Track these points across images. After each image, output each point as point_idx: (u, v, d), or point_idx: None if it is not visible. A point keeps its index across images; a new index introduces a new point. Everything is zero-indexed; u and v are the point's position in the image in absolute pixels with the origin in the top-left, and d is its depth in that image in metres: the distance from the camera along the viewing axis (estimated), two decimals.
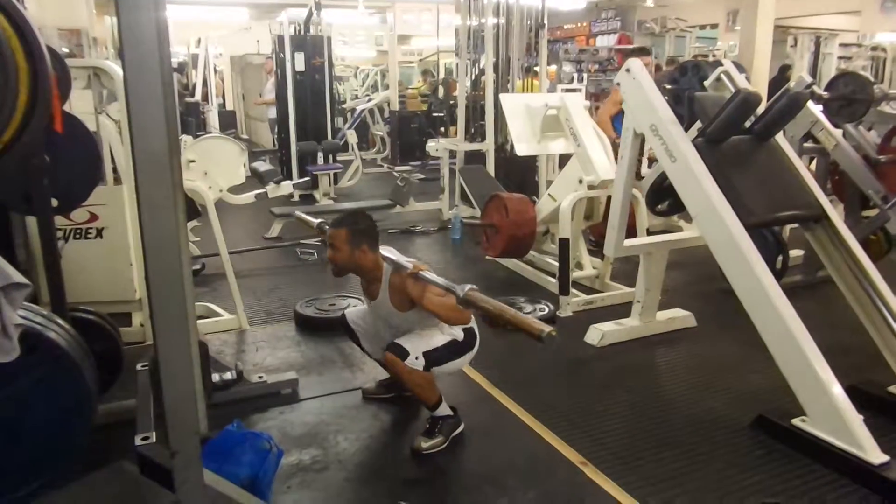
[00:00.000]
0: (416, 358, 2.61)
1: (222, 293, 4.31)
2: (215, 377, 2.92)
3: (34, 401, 1.65)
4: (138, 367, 2.55)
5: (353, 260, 2.69)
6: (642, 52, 5.40)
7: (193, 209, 3.94)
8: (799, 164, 3.24)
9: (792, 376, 2.68)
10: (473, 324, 2.78)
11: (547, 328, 2.03)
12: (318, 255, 5.36)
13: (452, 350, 2.70)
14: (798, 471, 2.53)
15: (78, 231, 3.39)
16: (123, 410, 2.61)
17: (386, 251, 2.76)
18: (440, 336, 2.70)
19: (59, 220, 2.92)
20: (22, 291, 1.52)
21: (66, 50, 9.58)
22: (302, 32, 7.93)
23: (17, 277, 1.52)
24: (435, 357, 2.65)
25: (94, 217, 3.39)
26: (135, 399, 2.46)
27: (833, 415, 2.54)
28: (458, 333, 2.72)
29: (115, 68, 3.24)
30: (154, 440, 1.94)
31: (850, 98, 4.07)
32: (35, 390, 1.65)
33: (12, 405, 1.63)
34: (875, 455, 2.42)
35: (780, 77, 8.67)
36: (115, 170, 3.67)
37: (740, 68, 4.32)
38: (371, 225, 2.73)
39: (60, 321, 1.85)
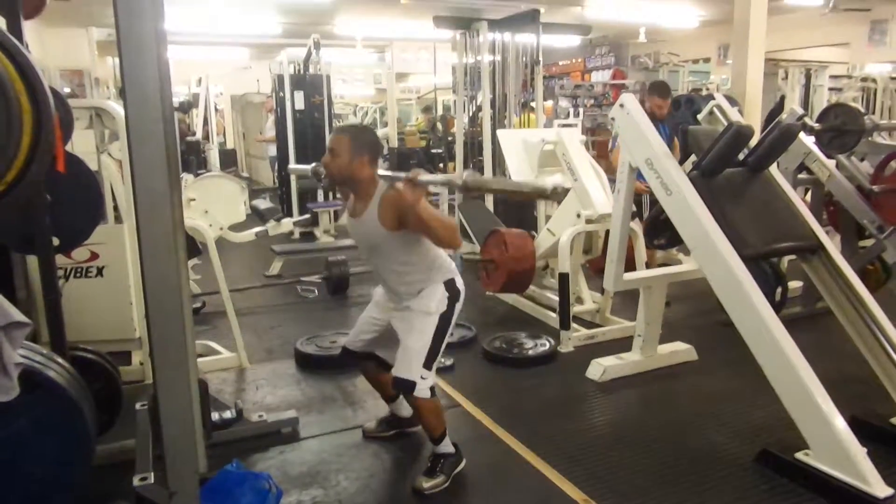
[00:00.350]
0: (423, 378, 2.58)
1: (222, 331, 4.31)
2: (215, 416, 2.90)
3: (33, 440, 1.64)
4: (137, 406, 2.55)
5: (349, 169, 2.53)
6: (663, 87, 5.02)
7: (194, 247, 3.96)
8: (793, 195, 3.26)
9: (794, 409, 2.66)
10: (455, 273, 2.71)
11: (551, 184, 2.02)
12: (319, 292, 5.36)
13: (442, 329, 2.63)
14: None
15: (78, 270, 3.40)
16: (122, 450, 2.59)
17: (382, 171, 2.63)
18: (429, 322, 2.60)
19: (60, 259, 2.93)
20: (23, 330, 1.53)
21: (67, 89, 9.75)
22: (301, 71, 8.06)
23: (18, 316, 1.52)
24: (433, 354, 2.61)
25: (94, 256, 3.40)
26: (133, 439, 2.45)
27: (836, 448, 2.52)
28: (442, 300, 2.62)
29: (117, 108, 3.29)
30: (153, 480, 1.92)
31: (841, 129, 4.13)
32: (34, 430, 1.64)
33: (11, 444, 1.63)
34: (880, 488, 2.39)
35: (779, 107, 8.77)
36: (115, 208, 3.70)
37: (733, 101, 4.40)
38: (376, 140, 2.64)
39: (60, 360, 1.85)
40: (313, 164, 2.94)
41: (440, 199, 6.87)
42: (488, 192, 2.32)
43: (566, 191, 2.01)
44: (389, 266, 2.65)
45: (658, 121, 3.93)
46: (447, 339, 2.68)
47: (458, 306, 2.70)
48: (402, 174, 2.45)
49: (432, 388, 2.65)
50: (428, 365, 2.60)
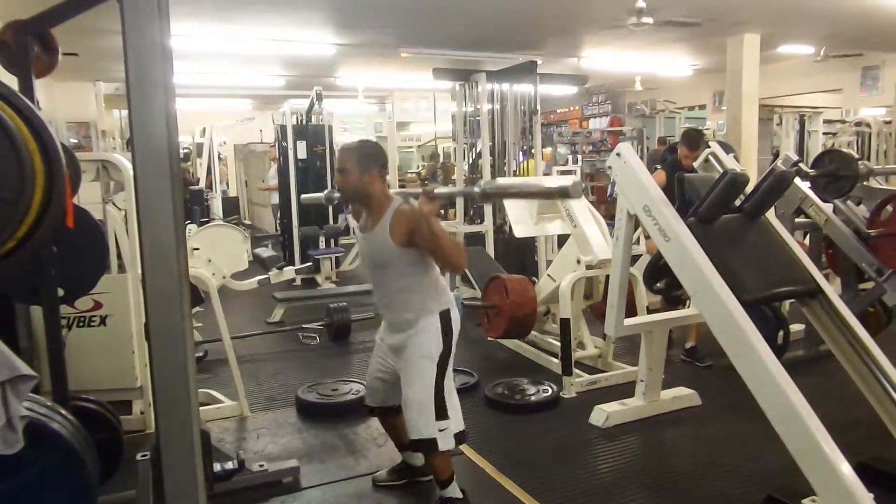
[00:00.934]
0: (441, 430, 2.56)
1: (224, 379, 4.30)
2: (217, 466, 2.87)
3: (38, 492, 1.64)
4: (138, 456, 2.52)
5: (361, 185, 2.54)
6: (693, 139, 4.55)
7: (197, 296, 3.99)
8: (790, 240, 3.30)
9: (799, 455, 2.63)
10: (452, 305, 2.68)
11: (568, 181, 2.05)
12: (320, 339, 5.36)
13: (442, 369, 2.60)
14: None
15: (82, 319, 3.42)
16: (122, 501, 2.56)
17: (397, 190, 2.64)
18: (429, 368, 2.58)
19: (63, 308, 2.95)
20: (28, 384, 1.54)
21: (74, 141, 9.92)
22: (304, 122, 8.21)
23: (25, 369, 1.54)
24: (441, 400, 2.58)
25: (98, 305, 3.42)
26: (134, 490, 2.43)
27: (843, 494, 2.49)
28: (438, 340, 2.60)
29: (124, 161, 3.36)
30: None
31: (835, 175, 4.19)
32: (39, 482, 1.63)
33: (16, 496, 1.62)
34: None
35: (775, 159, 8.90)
36: (119, 257, 3.74)
37: (728, 148, 4.47)
38: (381, 152, 2.65)
39: (63, 412, 1.86)
40: (326, 191, 2.99)
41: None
42: (507, 196, 2.36)
43: (579, 189, 2.05)
44: (392, 285, 2.63)
45: (684, 170, 3.93)
46: (450, 376, 2.66)
47: (454, 340, 2.68)
48: (418, 190, 2.50)
49: (461, 434, 2.64)
50: (440, 415, 2.58)
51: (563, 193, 2.12)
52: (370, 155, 2.58)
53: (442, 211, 2.69)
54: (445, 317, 2.65)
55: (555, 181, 2.26)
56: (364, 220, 2.69)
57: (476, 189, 2.35)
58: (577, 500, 2.89)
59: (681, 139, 4.81)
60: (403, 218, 2.51)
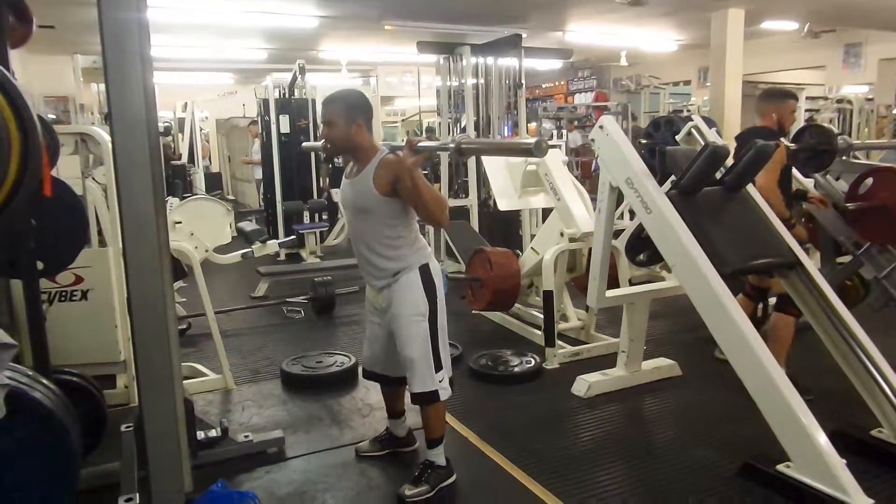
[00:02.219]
0: (440, 382, 2.66)
1: (208, 353, 4.30)
2: (200, 435, 2.89)
3: (19, 461, 1.64)
4: (122, 428, 2.54)
5: (348, 136, 2.58)
6: (788, 95, 3.96)
7: (179, 269, 3.97)
8: (770, 213, 3.33)
9: (775, 422, 2.70)
10: (431, 259, 2.71)
11: (531, 141, 2.15)
12: (305, 313, 5.37)
13: (434, 325, 2.65)
14: None
15: (63, 293, 3.39)
16: (106, 474, 2.58)
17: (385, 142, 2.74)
18: (421, 326, 2.63)
19: (44, 283, 2.93)
20: (8, 352, 1.54)
21: (52, 116, 9.75)
22: (287, 96, 8.12)
23: (4, 338, 1.53)
24: (437, 353, 2.66)
25: (79, 279, 3.40)
26: (118, 462, 2.45)
27: (817, 460, 2.56)
28: (421, 295, 2.63)
29: (102, 134, 3.32)
30: (138, 501, 1.92)
31: (815, 149, 4.22)
32: (20, 451, 1.64)
33: None
34: (860, 499, 2.42)
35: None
36: (100, 232, 3.71)
37: (710, 122, 4.48)
38: (366, 101, 2.66)
39: (46, 381, 1.86)
40: (322, 141, 3.06)
41: None
42: (480, 153, 2.55)
43: (543, 149, 2.14)
44: (372, 234, 2.63)
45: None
46: (443, 327, 2.70)
47: (440, 295, 2.70)
48: (403, 143, 2.56)
49: (450, 380, 2.74)
50: (438, 366, 2.66)
51: (527, 152, 2.24)
52: (355, 105, 2.60)
53: (427, 168, 2.82)
54: (425, 271, 2.67)
55: (522, 141, 2.44)
56: (350, 168, 2.73)
57: (451, 144, 2.47)
58: (558, 467, 2.94)
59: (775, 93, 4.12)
60: (387, 166, 2.53)
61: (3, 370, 1.54)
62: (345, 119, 2.56)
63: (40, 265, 2.49)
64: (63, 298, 3.39)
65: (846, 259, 4.44)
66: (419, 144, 2.47)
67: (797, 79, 11.02)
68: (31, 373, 1.87)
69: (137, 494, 1.95)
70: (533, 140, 2.15)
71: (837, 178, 4.56)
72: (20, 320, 2.94)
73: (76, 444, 1.80)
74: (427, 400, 2.68)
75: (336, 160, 7.58)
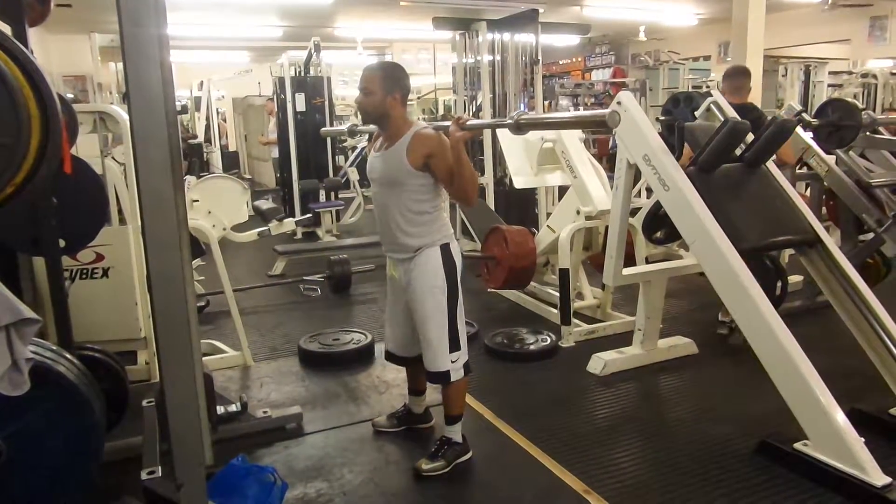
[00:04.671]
0: (453, 362, 2.68)
1: (226, 330, 4.36)
2: (220, 409, 2.94)
3: (44, 434, 1.68)
4: (144, 403, 2.58)
5: (383, 106, 2.57)
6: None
7: (197, 248, 4.00)
8: (790, 189, 3.29)
9: (793, 401, 2.69)
10: (452, 239, 2.73)
11: (607, 111, 2.12)
12: (321, 291, 5.41)
13: (452, 306, 2.67)
14: (801, 495, 2.53)
15: (84, 271, 3.44)
16: (128, 448, 2.63)
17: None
18: (439, 306, 2.64)
19: (66, 261, 2.97)
20: (32, 327, 1.57)
21: (70, 95, 9.83)
22: (302, 74, 8.10)
23: (28, 313, 1.56)
24: (454, 334, 2.68)
25: (100, 257, 3.44)
26: (139, 437, 2.49)
27: (834, 438, 2.55)
28: (440, 273, 2.64)
29: (121, 112, 3.34)
30: (160, 474, 1.96)
31: (838, 124, 4.14)
32: (45, 424, 1.68)
33: (23, 438, 1.67)
34: (877, 477, 2.42)
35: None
36: (120, 211, 3.74)
37: None
38: (405, 76, 2.66)
39: (69, 356, 1.89)
40: (347, 125, 3.05)
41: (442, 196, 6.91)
42: (542, 128, 2.49)
43: (620, 118, 2.07)
44: (398, 208, 2.64)
45: None
46: (461, 309, 2.72)
47: (459, 276, 2.72)
48: (447, 124, 2.57)
49: (466, 364, 2.75)
50: (453, 347, 2.68)
51: (599, 124, 2.15)
52: (394, 78, 2.60)
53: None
54: (446, 251, 2.68)
55: (593, 112, 2.36)
56: (380, 143, 2.71)
57: (509, 120, 2.42)
58: (574, 444, 2.96)
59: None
60: (422, 140, 2.55)
61: (28, 345, 1.57)
62: (383, 89, 2.56)
63: (62, 243, 2.52)
64: (84, 276, 3.44)
65: (868, 237, 4.39)
66: (468, 122, 2.49)
67: (821, 53, 10.78)
68: (54, 347, 1.90)
69: (160, 467, 1.99)
70: (607, 111, 2.09)
71: (861, 154, 4.49)
72: (44, 297, 2.99)
73: (100, 417, 1.84)
74: (441, 380, 2.71)
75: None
